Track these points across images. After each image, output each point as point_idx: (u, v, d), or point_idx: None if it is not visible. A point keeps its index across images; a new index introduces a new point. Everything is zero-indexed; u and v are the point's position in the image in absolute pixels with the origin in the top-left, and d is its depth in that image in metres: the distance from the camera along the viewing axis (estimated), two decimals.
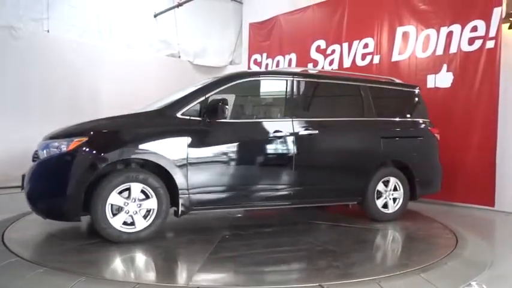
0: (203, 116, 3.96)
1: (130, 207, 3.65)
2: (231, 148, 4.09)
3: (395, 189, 4.90)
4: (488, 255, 3.81)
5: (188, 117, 3.95)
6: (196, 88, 4.19)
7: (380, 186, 4.80)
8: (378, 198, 4.79)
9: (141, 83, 8.62)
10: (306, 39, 8.29)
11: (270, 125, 4.35)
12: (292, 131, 4.32)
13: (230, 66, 10.57)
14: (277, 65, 8.84)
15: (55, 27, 7.89)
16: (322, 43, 8.04)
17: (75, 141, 3.59)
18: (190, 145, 3.86)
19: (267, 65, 9.16)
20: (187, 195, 3.86)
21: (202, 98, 4.04)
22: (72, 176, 3.54)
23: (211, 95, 4.07)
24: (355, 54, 7.49)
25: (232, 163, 4.10)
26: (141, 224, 3.68)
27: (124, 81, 8.55)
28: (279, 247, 3.81)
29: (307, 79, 4.76)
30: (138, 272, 3.18)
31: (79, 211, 3.55)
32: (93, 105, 7.97)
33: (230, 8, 10.63)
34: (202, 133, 3.98)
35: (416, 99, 5.36)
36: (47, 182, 3.66)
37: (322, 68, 7.78)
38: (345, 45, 7.65)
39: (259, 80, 4.71)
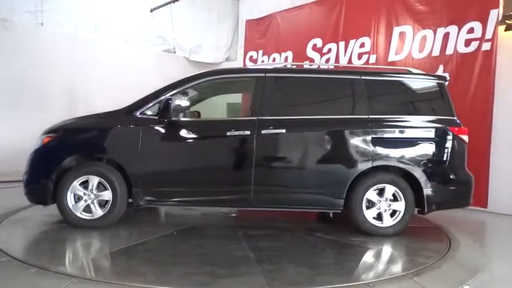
0: (157, 115, 4.13)
1: (88, 197, 4.04)
2: (183, 146, 4.24)
3: (396, 199, 4.21)
4: (480, 258, 3.84)
5: (146, 117, 4.16)
6: (158, 88, 4.28)
7: (371, 195, 4.17)
8: (370, 208, 4.20)
9: (137, 78, 8.53)
10: (302, 37, 8.25)
11: (229, 124, 4.29)
12: (252, 130, 4.10)
13: (226, 63, 10.51)
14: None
15: (49, 20, 7.78)
16: (318, 41, 8.01)
17: (47, 137, 4.16)
18: (144, 143, 4.08)
19: (262, 62, 9.11)
20: (139, 190, 4.08)
21: (162, 98, 4.15)
22: (43, 167, 4.11)
23: (172, 95, 4.17)
24: (351, 53, 7.46)
25: (184, 161, 4.22)
26: (97, 212, 4.06)
27: (119, 76, 8.48)
28: (208, 247, 3.71)
29: (277, 74, 4.46)
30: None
31: (49, 197, 4.06)
32: (87, 100, 7.91)
33: (227, 4, 10.56)
34: (156, 132, 4.15)
35: (437, 92, 4.46)
36: (29, 171, 4.16)
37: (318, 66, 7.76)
38: (342, 44, 7.63)
39: (224, 79, 4.61)
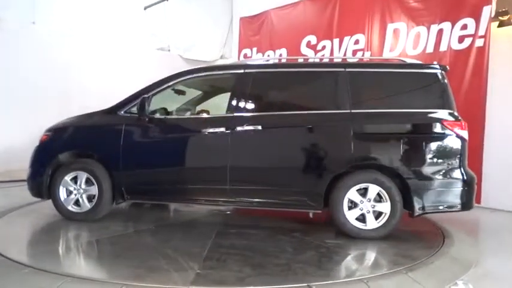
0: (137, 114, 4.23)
1: (77, 191, 4.30)
2: (161, 144, 4.31)
3: (381, 200, 3.93)
4: (474, 253, 3.87)
5: (129, 115, 4.29)
6: (141, 88, 4.36)
7: (353, 195, 3.91)
8: (352, 209, 3.94)
9: (131, 76, 8.52)
10: (296, 35, 8.24)
11: (206, 122, 4.31)
12: (228, 127, 4.05)
13: (220, 60, 10.49)
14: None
15: (42, 18, 7.74)
16: (312, 38, 8.01)
17: (44, 135, 4.49)
18: (125, 141, 4.23)
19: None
20: (121, 186, 4.25)
21: (145, 97, 4.23)
22: (39, 163, 4.40)
23: (153, 94, 4.27)
24: (345, 50, 7.47)
25: (162, 159, 4.27)
26: (85, 206, 4.30)
27: (113, 74, 8.46)
28: (174, 243, 3.74)
29: (256, 70, 4.37)
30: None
31: (45, 191, 4.34)
32: (82, 99, 7.87)
33: (221, 2, 10.52)
34: (136, 130, 4.31)
35: (433, 83, 4.09)
36: (30, 167, 4.45)
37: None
38: (336, 41, 7.63)
39: (205, 76, 4.61)
